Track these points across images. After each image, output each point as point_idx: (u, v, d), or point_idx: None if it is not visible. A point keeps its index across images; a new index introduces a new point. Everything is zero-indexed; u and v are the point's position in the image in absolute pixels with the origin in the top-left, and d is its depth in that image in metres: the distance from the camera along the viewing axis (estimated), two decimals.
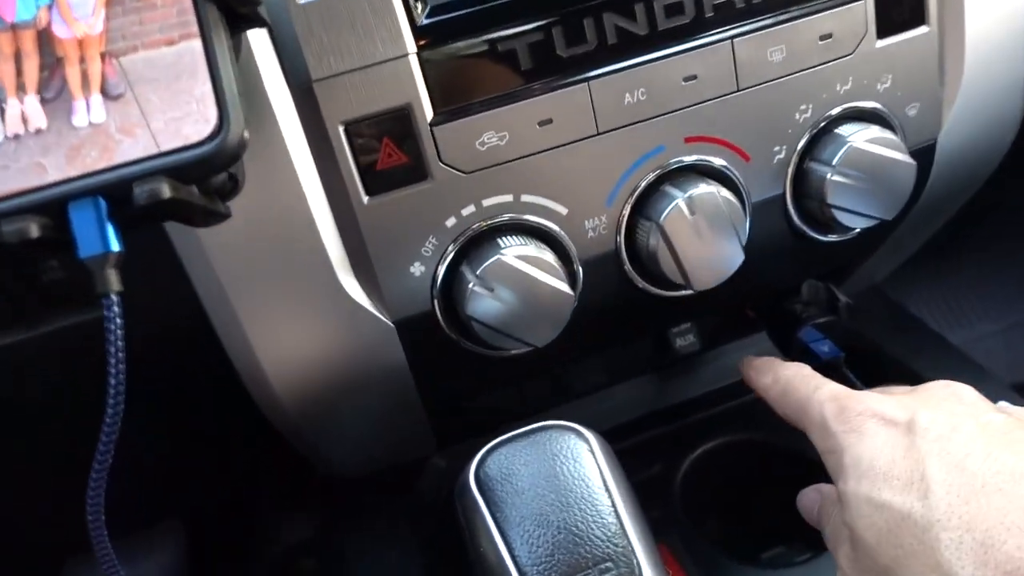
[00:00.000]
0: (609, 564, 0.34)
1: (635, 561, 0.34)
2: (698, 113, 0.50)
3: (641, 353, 0.73)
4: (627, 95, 0.48)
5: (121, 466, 0.79)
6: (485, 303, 0.48)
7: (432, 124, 0.46)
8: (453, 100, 0.46)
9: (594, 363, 0.73)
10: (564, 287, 0.48)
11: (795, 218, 0.55)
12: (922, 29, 0.53)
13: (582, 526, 0.35)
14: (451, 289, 0.49)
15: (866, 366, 0.69)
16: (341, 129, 0.45)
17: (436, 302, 0.49)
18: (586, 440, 0.39)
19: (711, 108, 0.50)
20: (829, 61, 0.51)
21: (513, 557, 0.35)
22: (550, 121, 0.47)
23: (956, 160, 0.59)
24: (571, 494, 0.36)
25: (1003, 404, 0.43)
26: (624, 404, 0.77)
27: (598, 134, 0.49)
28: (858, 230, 0.57)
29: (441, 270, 0.49)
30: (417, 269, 0.49)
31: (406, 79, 0.45)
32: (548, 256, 0.49)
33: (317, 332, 0.50)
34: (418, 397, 0.56)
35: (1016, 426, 0.37)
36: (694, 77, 0.49)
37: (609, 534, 0.35)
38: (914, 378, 0.73)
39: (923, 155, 0.56)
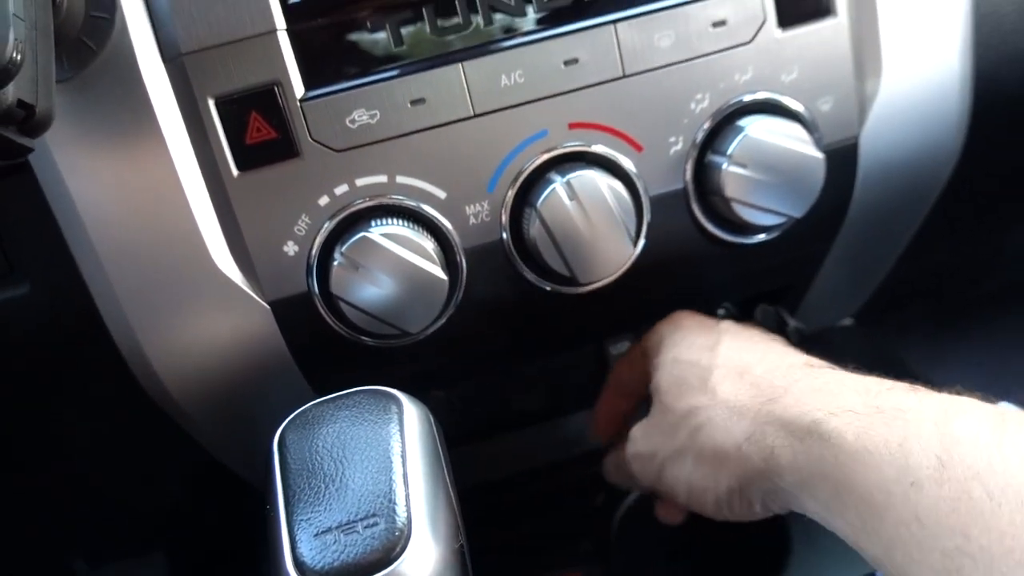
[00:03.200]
0: (377, 519, 0.32)
1: (406, 517, 0.32)
2: (582, 98, 0.49)
3: (580, 373, 0.70)
4: (504, 77, 0.48)
5: (100, 497, 0.80)
6: (352, 283, 0.47)
7: (302, 100, 0.46)
8: (323, 76, 0.46)
9: (532, 379, 0.70)
10: (435, 270, 0.47)
11: (699, 214, 0.52)
12: (830, 20, 0.51)
13: (359, 481, 0.33)
14: (327, 271, 0.49)
15: None
16: (212, 103, 0.46)
17: (311, 283, 0.49)
18: (397, 404, 0.37)
19: (596, 93, 0.49)
20: (725, 49, 0.50)
21: (287, 506, 0.33)
22: (423, 101, 0.47)
23: (890, 164, 0.55)
24: (359, 452, 0.34)
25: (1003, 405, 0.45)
26: (579, 436, 0.74)
27: (475, 116, 0.48)
28: (773, 235, 0.54)
29: (315, 250, 0.48)
30: (291, 248, 0.48)
31: (275, 55, 0.46)
32: (423, 240, 0.48)
33: (195, 313, 0.50)
34: (311, 391, 0.55)
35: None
36: (575, 61, 0.48)
37: (384, 491, 0.32)
38: None
39: (844, 153, 0.53)
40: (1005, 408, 0.40)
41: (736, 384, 0.47)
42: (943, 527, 0.33)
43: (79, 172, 0.46)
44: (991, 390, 1.02)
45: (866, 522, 0.36)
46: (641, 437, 0.53)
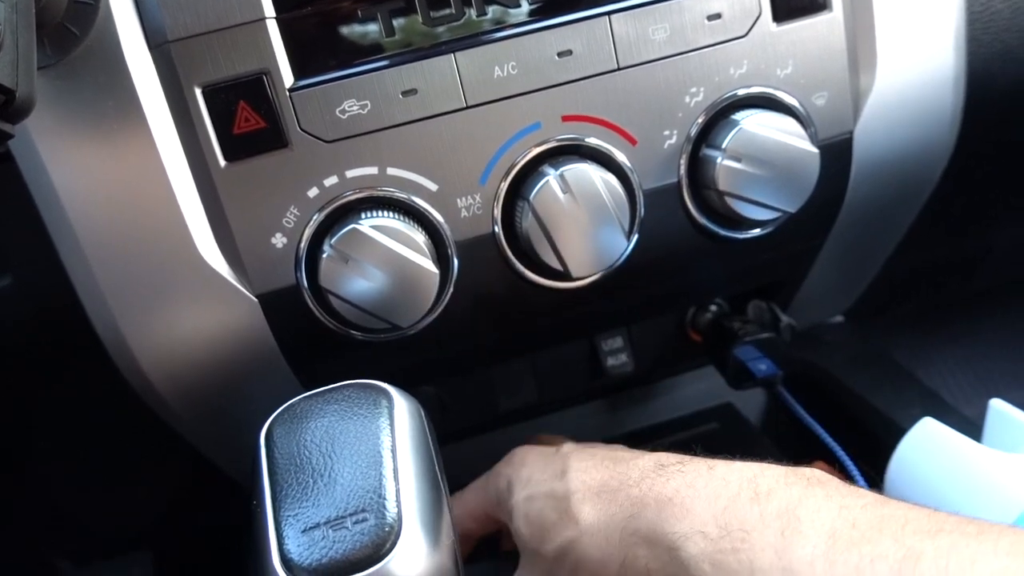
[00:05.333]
0: (366, 514, 0.31)
1: (396, 513, 0.31)
2: (576, 90, 0.48)
3: (572, 370, 0.69)
4: (497, 68, 0.47)
5: (84, 494, 0.79)
6: (341, 276, 0.46)
7: (291, 90, 0.45)
8: (313, 66, 0.46)
9: (525, 377, 0.69)
10: (426, 263, 0.46)
11: (692, 209, 0.52)
12: (824, 15, 0.51)
13: (348, 476, 0.32)
14: (316, 264, 0.48)
15: (812, 392, 0.65)
16: (199, 92, 0.45)
17: (300, 276, 0.48)
18: (387, 398, 0.36)
19: (590, 86, 0.48)
20: (720, 43, 0.49)
21: (274, 502, 0.32)
22: (414, 91, 0.47)
23: (883, 159, 0.55)
24: (348, 447, 0.33)
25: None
26: (568, 432, 0.74)
27: (467, 107, 0.47)
28: (767, 230, 0.54)
29: (304, 243, 0.48)
30: (279, 240, 0.48)
31: (264, 43, 0.45)
32: (414, 232, 0.47)
33: (181, 306, 0.49)
34: (300, 386, 0.54)
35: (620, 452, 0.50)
36: (569, 53, 0.48)
37: (373, 486, 0.32)
38: (868, 408, 0.68)
39: (838, 149, 0.53)
40: (823, 485, 0.41)
41: (596, 505, 0.45)
42: None
43: (62, 161, 0.45)
44: (979, 388, 1.02)
45: None
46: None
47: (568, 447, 0.52)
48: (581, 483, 0.47)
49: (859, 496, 0.39)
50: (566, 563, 0.46)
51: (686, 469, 0.44)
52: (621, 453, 0.49)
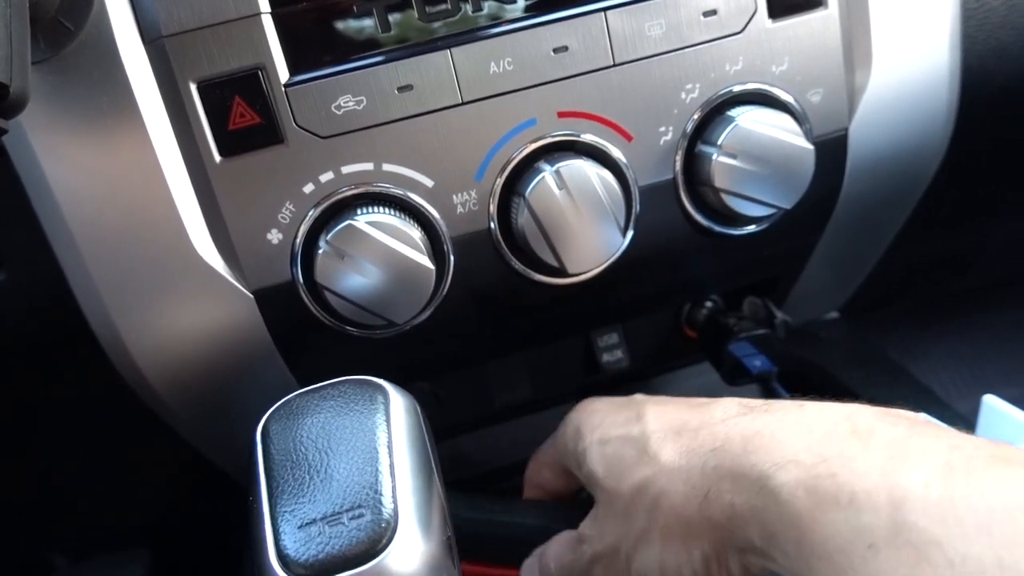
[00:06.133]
0: (363, 510, 0.31)
1: (392, 509, 0.31)
2: (572, 87, 0.48)
3: (567, 365, 0.69)
4: (492, 64, 0.47)
5: (79, 491, 0.78)
6: (337, 272, 0.46)
7: (287, 85, 0.45)
8: (309, 61, 0.46)
9: (520, 373, 0.69)
10: (422, 259, 0.46)
11: (688, 205, 0.52)
12: (820, 11, 0.51)
13: (344, 472, 0.32)
14: (312, 260, 0.48)
15: (807, 388, 0.65)
16: (194, 87, 0.45)
17: (295, 272, 0.48)
18: (383, 394, 0.36)
19: (586, 82, 0.48)
20: (715, 39, 0.49)
21: (270, 498, 0.32)
22: (410, 87, 0.46)
23: (878, 156, 0.55)
24: (344, 443, 0.33)
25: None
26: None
27: (463, 103, 0.47)
28: (762, 226, 0.54)
29: (300, 239, 0.47)
30: (275, 236, 0.47)
31: (259, 38, 0.45)
32: (410, 228, 0.47)
33: (176, 303, 0.49)
34: (296, 382, 0.54)
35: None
36: (565, 48, 0.48)
37: (370, 482, 0.32)
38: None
39: (833, 146, 0.53)
40: (929, 426, 0.39)
41: (676, 443, 0.44)
42: None
43: (56, 156, 0.45)
44: (973, 384, 1.02)
45: None
46: (596, 536, 0.48)
47: (641, 396, 0.51)
48: (660, 424, 0.46)
49: (970, 438, 0.36)
50: (644, 500, 0.44)
51: (773, 408, 0.42)
52: (698, 399, 0.48)
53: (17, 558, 0.84)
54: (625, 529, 0.45)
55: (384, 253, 0.45)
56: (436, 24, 0.46)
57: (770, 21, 0.50)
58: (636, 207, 0.51)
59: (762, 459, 0.38)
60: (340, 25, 0.46)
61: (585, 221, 0.48)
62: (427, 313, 0.50)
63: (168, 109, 0.46)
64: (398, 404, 0.36)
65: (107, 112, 0.45)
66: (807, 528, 0.35)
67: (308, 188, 0.47)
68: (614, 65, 0.48)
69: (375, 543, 0.31)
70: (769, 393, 0.63)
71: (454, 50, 0.46)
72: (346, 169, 0.47)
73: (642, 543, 0.44)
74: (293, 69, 0.45)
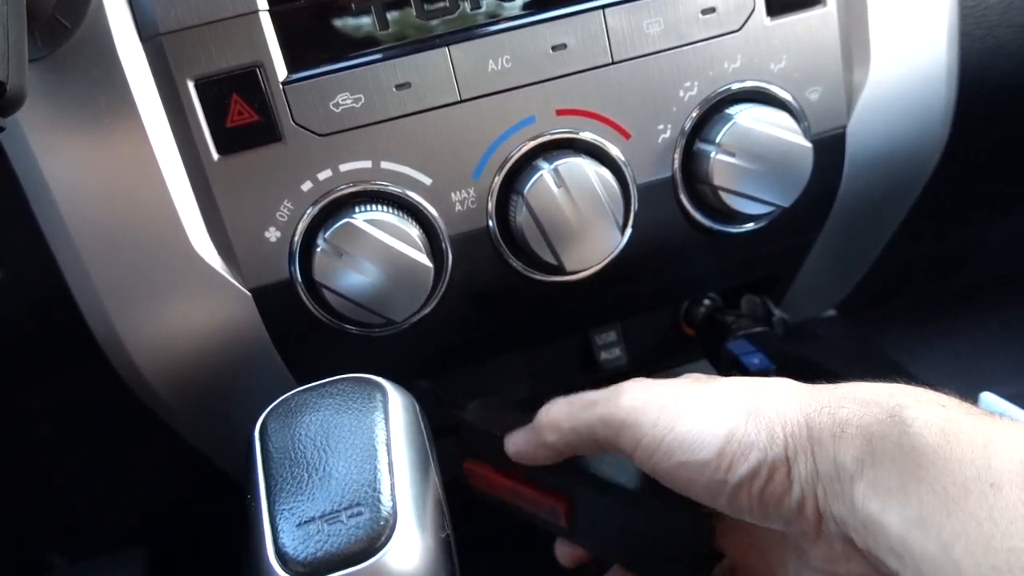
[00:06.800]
0: (361, 508, 0.31)
1: (391, 507, 0.31)
2: (570, 84, 0.48)
3: (565, 364, 0.69)
4: (491, 62, 0.47)
5: (77, 489, 0.78)
6: (335, 270, 0.46)
7: (285, 83, 0.45)
8: (307, 59, 0.45)
9: (519, 371, 0.69)
10: (420, 257, 0.46)
11: (686, 203, 0.52)
12: (818, 9, 0.51)
13: (343, 470, 0.32)
14: (310, 258, 0.48)
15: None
16: (191, 85, 0.45)
17: (293, 270, 0.48)
18: (382, 392, 0.36)
19: (584, 80, 0.48)
20: (714, 37, 0.49)
21: (269, 496, 0.32)
22: (408, 85, 0.46)
23: (876, 154, 0.55)
24: (343, 441, 0.33)
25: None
26: None
27: (461, 101, 0.47)
28: (760, 224, 0.54)
29: (298, 237, 0.47)
30: (272, 234, 0.47)
31: (257, 36, 0.45)
32: (408, 226, 0.47)
33: (174, 300, 0.49)
34: (294, 380, 0.54)
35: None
36: (564, 46, 0.48)
37: (368, 480, 0.32)
38: None
39: (831, 143, 0.53)
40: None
41: (788, 388, 0.41)
42: (1017, 528, 0.32)
43: (53, 154, 0.45)
44: (970, 381, 1.03)
45: (930, 515, 0.34)
46: (640, 389, 0.44)
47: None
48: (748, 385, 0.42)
49: None
50: (730, 381, 0.42)
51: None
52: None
53: (16, 557, 0.84)
54: (682, 383, 0.44)
55: (382, 251, 0.45)
56: (434, 22, 0.46)
57: (768, 19, 0.50)
58: (634, 205, 0.51)
59: (903, 397, 0.37)
60: (338, 23, 0.46)
61: (583, 219, 0.48)
62: (425, 311, 0.50)
63: (166, 107, 0.46)
64: (397, 402, 0.36)
65: (104, 110, 0.45)
66: (925, 461, 0.35)
67: (306, 186, 0.47)
68: (613, 63, 0.48)
69: (374, 541, 0.31)
70: None
71: (452, 48, 0.46)
72: (344, 167, 0.47)
73: (690, 395, 0.42)
74: (291, 67, 0.45)
